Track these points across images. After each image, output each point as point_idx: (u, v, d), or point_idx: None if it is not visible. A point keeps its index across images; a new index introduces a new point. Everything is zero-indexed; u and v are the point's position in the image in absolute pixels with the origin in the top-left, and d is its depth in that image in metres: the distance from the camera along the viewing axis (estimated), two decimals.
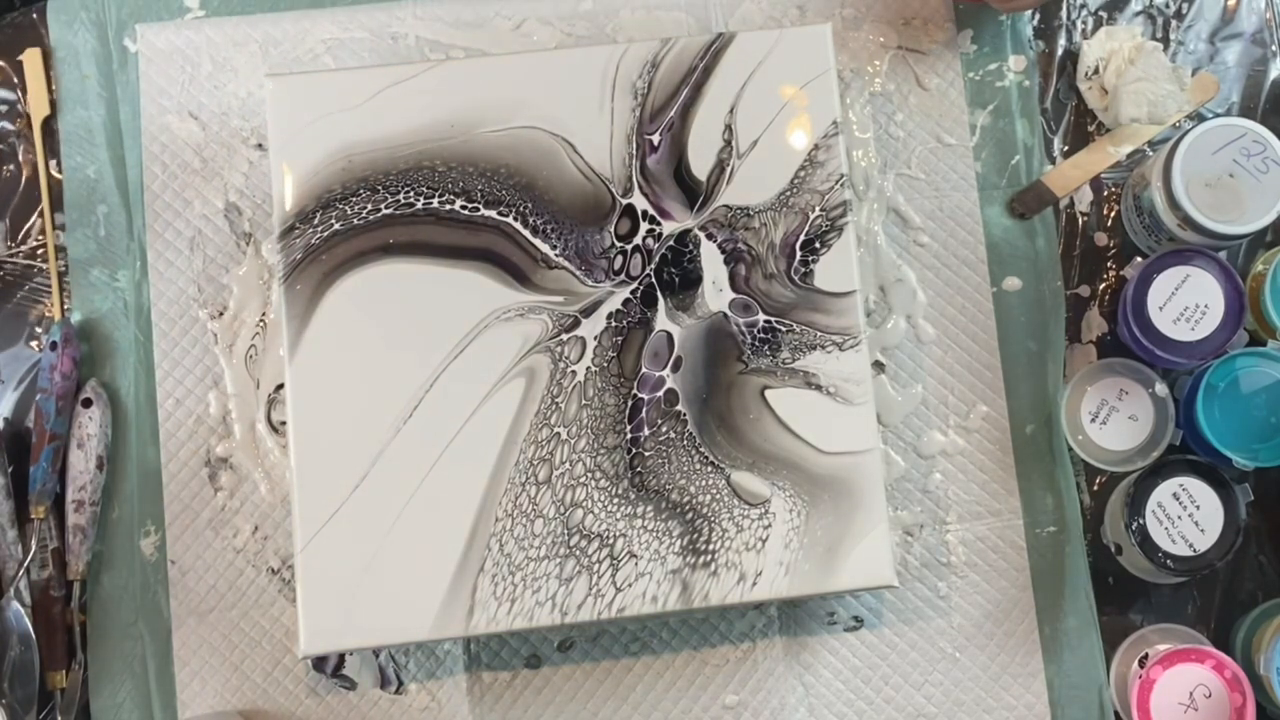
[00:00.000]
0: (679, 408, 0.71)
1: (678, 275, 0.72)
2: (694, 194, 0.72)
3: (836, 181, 0.72)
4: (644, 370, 0.71)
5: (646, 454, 0.70)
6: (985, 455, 0.77)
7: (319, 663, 0.75)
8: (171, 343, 0.77)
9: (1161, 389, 0.74)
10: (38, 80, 0.80)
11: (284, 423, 0.76)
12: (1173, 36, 0.82)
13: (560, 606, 0.68)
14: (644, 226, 0.72)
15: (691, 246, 0.72)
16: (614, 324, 0.71)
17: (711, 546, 0.69)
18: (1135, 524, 0.71)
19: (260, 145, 0.79)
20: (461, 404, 0.70)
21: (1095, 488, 0.77)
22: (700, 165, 0.73)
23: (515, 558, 0.69)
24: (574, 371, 0.71)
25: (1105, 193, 0.80)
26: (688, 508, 0.70)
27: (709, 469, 0.70)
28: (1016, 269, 0.79)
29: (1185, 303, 0.72)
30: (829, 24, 0.74)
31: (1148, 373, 0.75)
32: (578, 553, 0.69)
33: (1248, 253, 0.79)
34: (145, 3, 0.81)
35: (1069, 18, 0.82)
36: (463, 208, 0.72)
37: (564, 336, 0.71)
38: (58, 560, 0.74)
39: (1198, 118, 0.80)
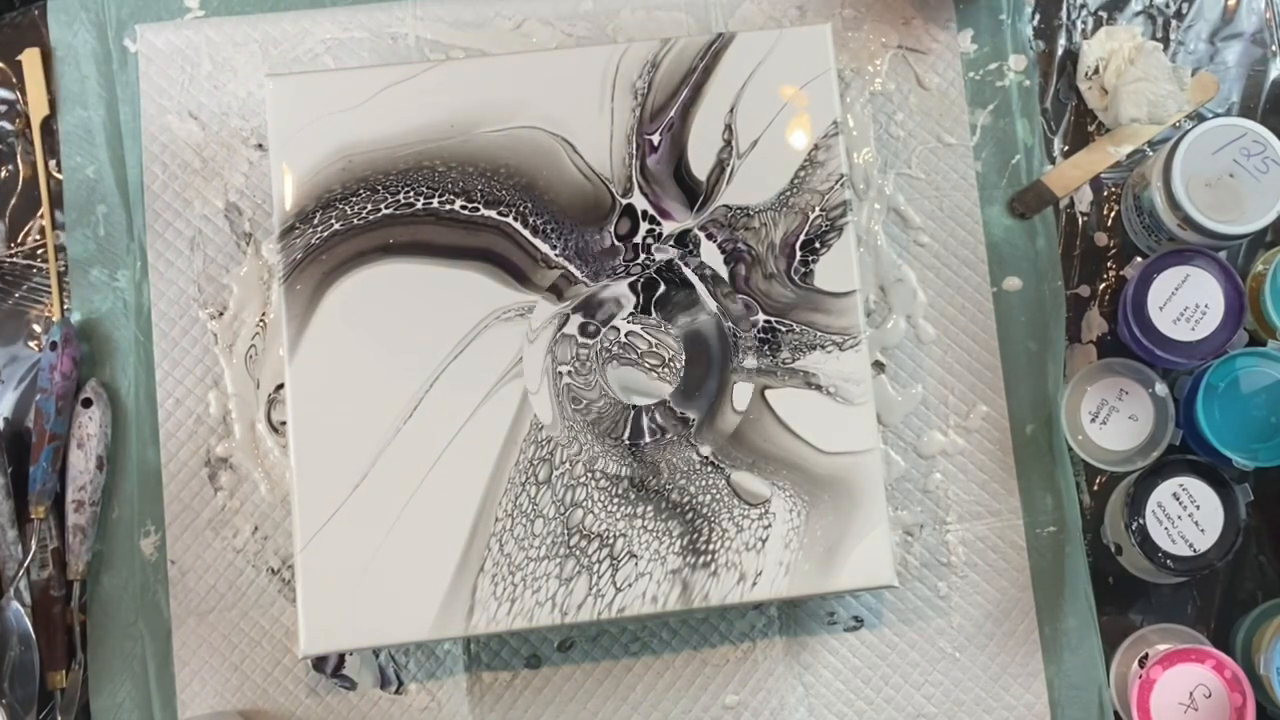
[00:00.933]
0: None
1: (678, 275, 0.72)
2: (694, 194, 0.72)
3: (836, 181, 0.72)
4: None
5: (646, 454, 0.70)
6: (985, 455, 0.77)
7: (319, 663, 0.75)
8: (171, 343, 0.77)
9: (1161, 389, 0.74)
10: (37, 80, 0.80)
11: (284, 423, 0.76)
12: (1173, 36, 0.82)
13: (560, 606, 0.68)
14: (644, 226, 0.72)
15: (691, 246, 0.72)
16: None
17: (711, 546, 0.69)
18: (1135, 524, 0.71)
19: (260, 145, 0.79)
20: (461, 404, 0.70)
21: (1095, 488, 0.77)
22: (700, 165, 0.73)
23: (515, 558, 0.69)
24: None
25: (1105, 193, 0.80)
26: (688, 508, 0.70)
27: (709, 469, 0.70)
28: (1016, 269, 0.79)
29: (1185, 303, 0.72)
30: (829, 24, 0.74)
31: (1148, 373, 0.75)
32: (578, 553, 0.69)
33: (1248, 253, 0.79)
34: (145, 3, 0.81)
35: (1069, 18, 0.82)
36: (463, 208, 0.72)
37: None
38: (58, 560, 0.74)
39: (1198, 118, 0.80)
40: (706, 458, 0.70)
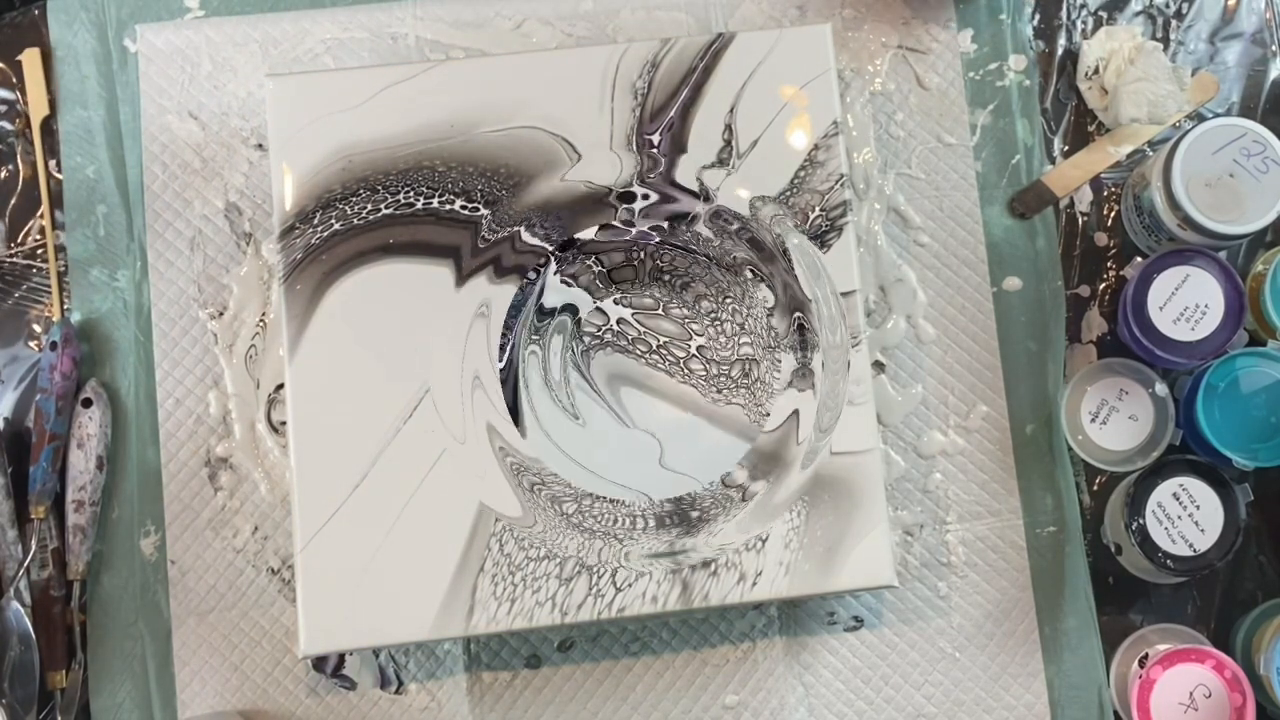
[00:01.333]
0: None
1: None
2: (694, 194, 0.72)
3: (836, 181, 0.72)
4: None
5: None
6: (985, 455, 0.77)
7: (319, 663, 0.75)
8: (171, 343, 0.77)
9: (1161, 389, 0.74)
10: (37, 80, 0.80)
11: (284, 423, 0.76)
12: (1173, 36, 0.82)
13: (560, 606, 0.68)
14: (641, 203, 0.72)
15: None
16: None
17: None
18: (1135, 524, 0.71)
19: (260, 145, 0.79)
20: (461, 404, 0.70)
21: (1095, 488, 0.77)
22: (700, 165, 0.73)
23: (515, 558, 0.69)
24: None
25: (1105, 193, 0.80)
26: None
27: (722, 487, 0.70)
28: (1016, 269, 0.79)
29: (1185, 303, 0.72)
30: (829, 24, 0.74)
31: (1148, 373, 0.75)
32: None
33: (1248, 253, 0.79)
34: (145, 3, 0.81)
35: (1069, 18, 0.82)
36: (463, 208, 0.72)
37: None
38: (58, 560, 0.74)
39: (1198, 118, 0.80)
40: (740, 485, 0.70)
